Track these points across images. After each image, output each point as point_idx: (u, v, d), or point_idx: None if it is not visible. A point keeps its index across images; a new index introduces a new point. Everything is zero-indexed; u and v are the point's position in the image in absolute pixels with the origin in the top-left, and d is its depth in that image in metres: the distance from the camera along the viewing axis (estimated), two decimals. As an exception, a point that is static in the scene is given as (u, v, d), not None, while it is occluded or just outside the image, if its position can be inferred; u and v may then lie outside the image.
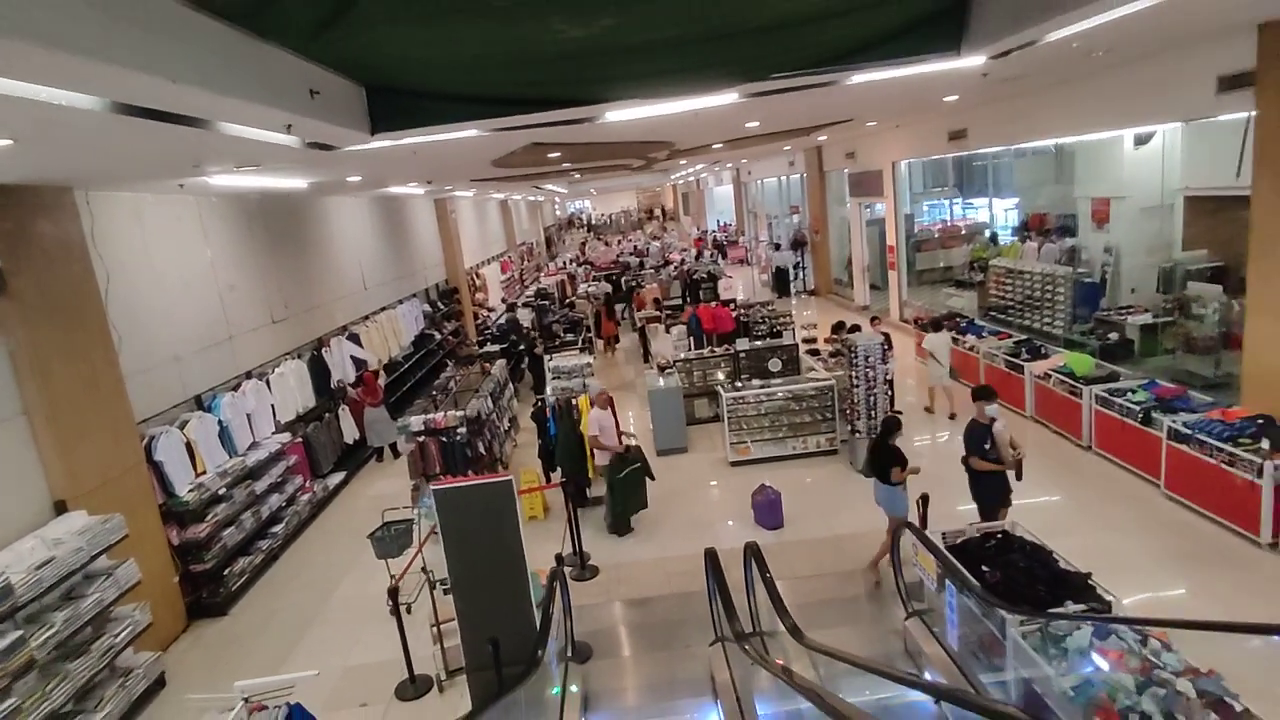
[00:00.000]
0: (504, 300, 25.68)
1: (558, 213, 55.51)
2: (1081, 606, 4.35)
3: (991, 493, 6.27)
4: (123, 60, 2.71)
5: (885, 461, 6.44)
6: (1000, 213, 19.69)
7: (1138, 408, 7.47)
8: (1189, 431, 6.66)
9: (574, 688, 5.04)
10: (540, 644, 4.47)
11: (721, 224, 39.30)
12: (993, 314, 13.76)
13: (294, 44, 3.74)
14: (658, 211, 59.12)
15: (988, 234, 17.01)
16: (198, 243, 8.38)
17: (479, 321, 21.39)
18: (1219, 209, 10.45)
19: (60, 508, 5.85)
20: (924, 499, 6.09)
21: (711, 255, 26.23)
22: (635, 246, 32.48)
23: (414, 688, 5.72)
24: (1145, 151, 11.92)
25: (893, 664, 5.10)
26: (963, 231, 19.11)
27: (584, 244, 42.58)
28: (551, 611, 4.90)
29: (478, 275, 22.71)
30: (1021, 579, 4.70)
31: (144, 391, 7.04)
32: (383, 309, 13.93)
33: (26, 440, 5.69)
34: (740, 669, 4.77)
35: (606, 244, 40.53)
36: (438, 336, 16.67)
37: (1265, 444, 6.12)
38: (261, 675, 4.69)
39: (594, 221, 58.13)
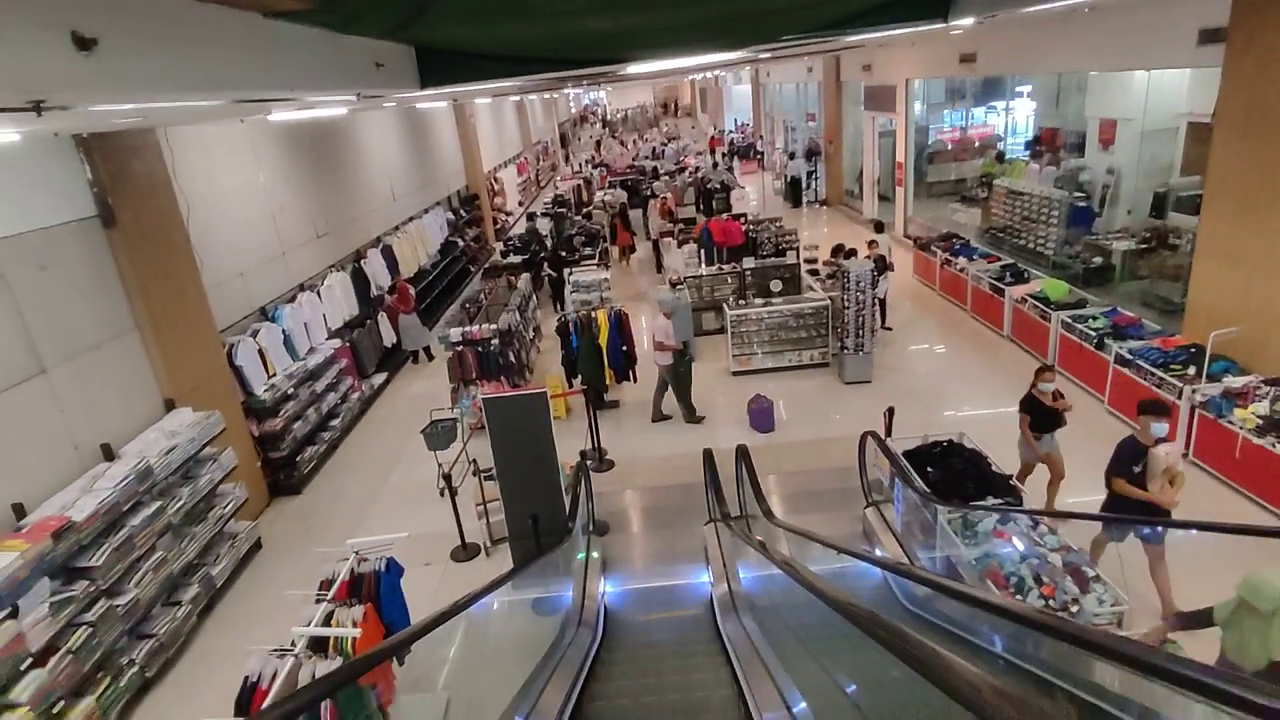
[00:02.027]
0: (520, 204, 26.25)
1: (572, 108, 54.44)
2: (999, 501, 5.49)
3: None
4: (264, 85, 3.57)
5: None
6: (1021, 119, 19.70)
7: (1095, 333, 8.39)
8: (1130, 357, 7.61)
9: (595, 554, 6.35)
10: (571, 519, 5.70)
11: (739, 124, 38.79)
12: (992, 232, 14.37)
13: (369, 35, 4.51)
14: (674, 107, 57.78)
15: (996, 151, 17.23)
16: (251, 167, 9.20)
17: (498, 227, 22.12)
18: (1216, 136, 10.90)
19: (169, 405, 7.05)
20: (890, 411, 7.16)
21: (726, 161, 26.40)
22: (654, 149, 32.43)
23: (465, 552, 7.08)
24: (1153, 75, 12.16)
25: (852, 543, 6.33)
26: (976, 144, 19.27)
27: (599, 143, 42.26)
28: (578, 495, 6.12)
29: (496, 179, 23.20)
30: (956, 479, 5.83)
31: (218, 305, 8.08)
32: (410, 219, 14.74)
33: (139, 350, 6.81)
34: (727, 543, 6.01)
35: (622, 144, 40.28)
36: (461, 244, 17.51)
37: (1191, 370, 7.09)
38: (337, 542, 6.00)
39: (609, 117, 57.01)
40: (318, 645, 4.25)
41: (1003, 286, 10.50)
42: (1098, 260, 11.67)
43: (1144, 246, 11.08)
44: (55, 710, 4.92)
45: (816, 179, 22.18)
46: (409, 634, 3.33)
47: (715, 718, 4.40)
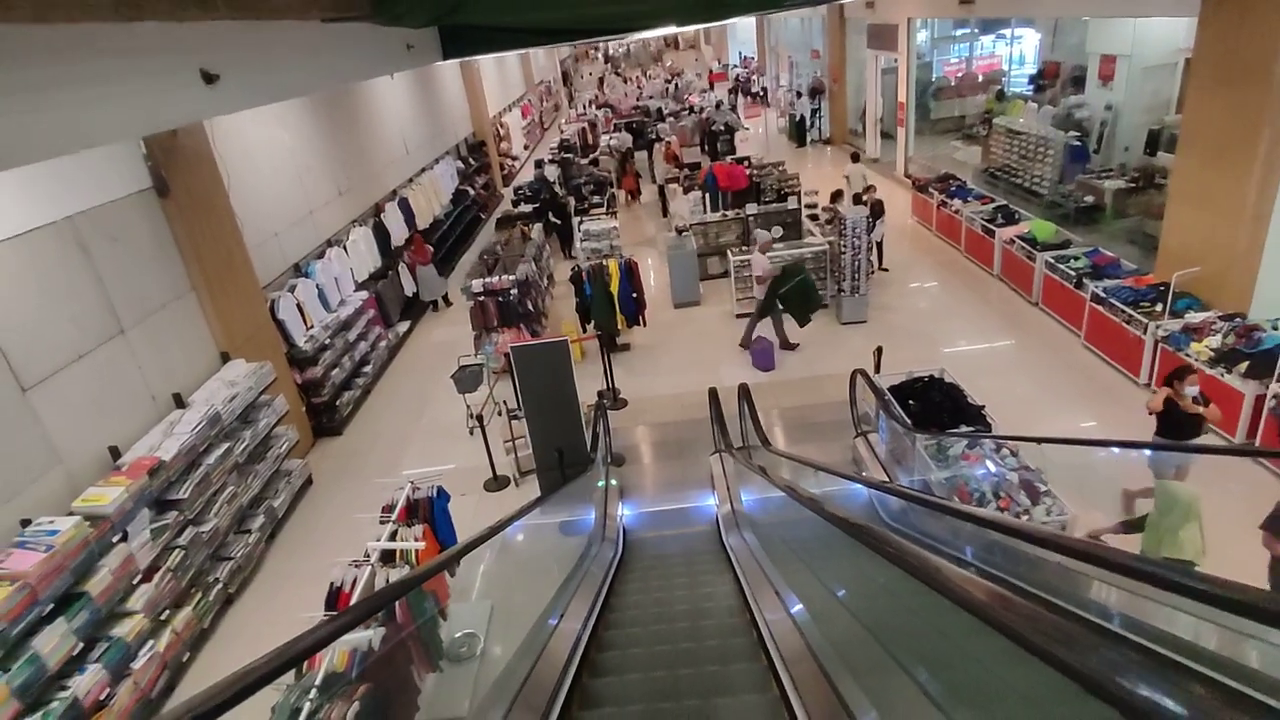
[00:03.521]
0: (526, 148, 26.40)
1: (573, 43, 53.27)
2: (970, 429, 6.20)
3: None
4: (325, 80, 4.14)
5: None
6: (1028, 49, 19.57)
7: (1075, 273, 8.94)
8: (1104, 295, 8.20)
9: (614, 482, 7.15)
10: (592, 451, 6.47)
11: (744, 57, 38.29)
12: (990, 172, 14.70)
13: (409, 27, 5.02)
14: (677, 40, 56.47)
15: (997, 88, 17.32)
16: (278, 131, 9.68)
17: (505, 172, 22.42)
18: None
19: (225, 357, 7.79)
20: (878, 350, 7.82)
21: (731, 99, 26.33)
22: (674, 84, 32.26)
23: (496, 483, 7.91)
24: (1151, 11, 12.25)
25: (843, 468, 7.10)
26: (980, 78, 19.28)
27: (602, 80, 41.75)
28: (597, 430, 6.88)
29: (501, 124, 23.33)
30: (934, 410, 6.54)
31: (258, 263, 8.71)
32: (423, 170, 15.18)
33: (197, 309, 7.51)
34: (731, 470, 6.79)
35: (626, 80, 39.83)
36: (471, 192, 17.92)
37: (1159, 308, 7.69)
38: (379, 477, 6.79)
39: (612, 52, 55.85)
40: (387, 557, 5.07)
41: (993, 228, 10.98)
42: (1089, 199, 12.08)
43: (1132, 185, 11.48)
44: (163, 618, 5.83)
45: (820, 117, 22.24)
46: (464, 546, 4.10)
47: (722, 615, 5.22)
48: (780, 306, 9.69)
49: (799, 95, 22.77)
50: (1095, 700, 1.03)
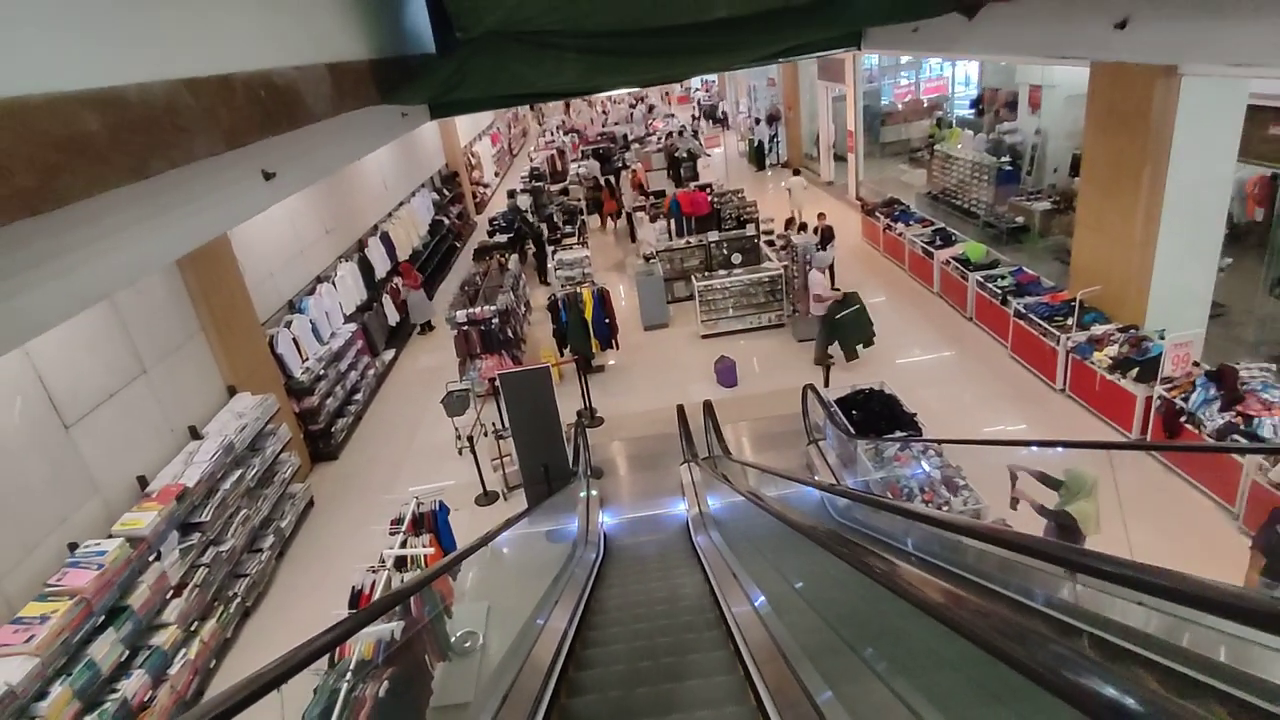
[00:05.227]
0: (496, 174, 27.23)
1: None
2: (902, 434, 7.13)
3: None
4: (342, 160, 4.93)
5: None
6: (974, 70, 20.84)
7: (1001, 291, 10.00)
8: (1025, 311, 9.25)
9: (594, 492, 7.95)
10: (574, 466, 7.27)
11: (705, 81, 39.63)
12: (931, 195, 15.89)
13: (411, 104, 5.83)
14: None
15: (937, 117, 18.60)
16: (270, 176, 10.37)
17: (478, 200, 23.21)
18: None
19: (231, 391, 8.45)
20: (827, 366, 8.75)
21: (694, 127, 27.49)
22: (631, 109, 33.29)
23: (487, 498, 8.65)
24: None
25: (795, 472, 7.98)
26: (925, 104, 20.60)
27: (568, 104, 42.77)
28: (578, 446, 7.68)
29: (472, 154, 24.13)
30: (874, 419, 7.46)
31: (257, 302, 9.38)
32: (401, 204, 15.91)
33: (206, 348, 8.17)
34: (698, 478, 7.62)
35: (590, 104, 40.89)
36: (446, 222, 18.67)
37: (1070, 321, 8.74)
38: (376, 498, 7.49)
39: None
40: (399, 563, 5.80)
41: (932, 250, 12.05)
42: (1019, 220, 13.25)
43: (1054, 208, 12.67)
44: (192, 629, 6.48)
45: (778, 143, 23.42)
46: (465, 551, 4.88)
47: (692, 607, 6.03)
48: (834, 331, 10.08)
49: (758, 122, 23.95)
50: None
